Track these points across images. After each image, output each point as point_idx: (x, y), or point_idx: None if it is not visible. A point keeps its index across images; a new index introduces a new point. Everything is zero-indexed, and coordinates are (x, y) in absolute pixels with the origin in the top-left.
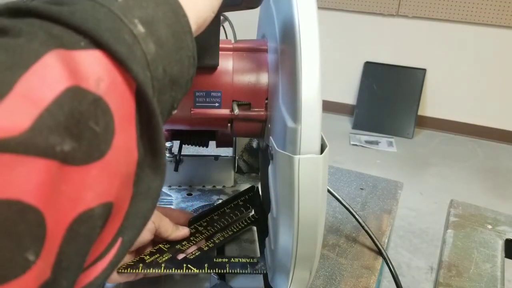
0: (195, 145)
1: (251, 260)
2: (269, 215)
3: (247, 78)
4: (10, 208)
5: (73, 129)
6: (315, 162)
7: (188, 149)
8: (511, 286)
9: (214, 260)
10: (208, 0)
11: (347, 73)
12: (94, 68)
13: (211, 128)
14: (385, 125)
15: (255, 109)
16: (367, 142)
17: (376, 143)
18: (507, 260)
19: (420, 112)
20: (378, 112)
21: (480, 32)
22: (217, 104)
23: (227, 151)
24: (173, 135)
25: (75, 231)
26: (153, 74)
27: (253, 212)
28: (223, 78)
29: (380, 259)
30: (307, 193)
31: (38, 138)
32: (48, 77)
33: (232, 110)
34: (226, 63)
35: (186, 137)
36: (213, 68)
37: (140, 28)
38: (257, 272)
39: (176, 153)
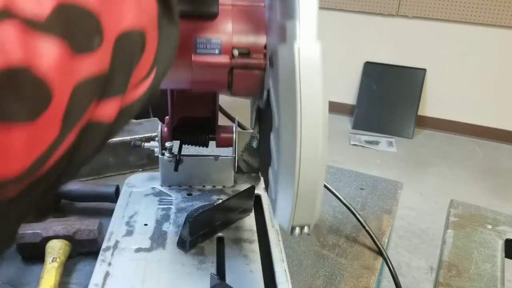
0: (195, 145)
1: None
2: (272, 139)
3: (246, 27)
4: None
5: None
6: (314, 48)
7: (188, 149)
8: (511, 286)
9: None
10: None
11: (347, 73)
12: None
13: (211, 89)
14: (385, 125)
15: (255, 56)
16: (367, 142)
17: (376, 143)
18: (507, 260)
19: (420, 112)
20: (378, 112)
21: (480, 32)
22: (217, 51)
23: (227, 151)
24: (173, 135)
25: (121, 45)
26: None
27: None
28: (223, 27)
29: (380, 259)
30: (308, 81)
31: None
32: None
33: (232, 57)
34: (225, 12)
35: (186, 136)
36: (213, 16)
37: None
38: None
39: (176, 153)
